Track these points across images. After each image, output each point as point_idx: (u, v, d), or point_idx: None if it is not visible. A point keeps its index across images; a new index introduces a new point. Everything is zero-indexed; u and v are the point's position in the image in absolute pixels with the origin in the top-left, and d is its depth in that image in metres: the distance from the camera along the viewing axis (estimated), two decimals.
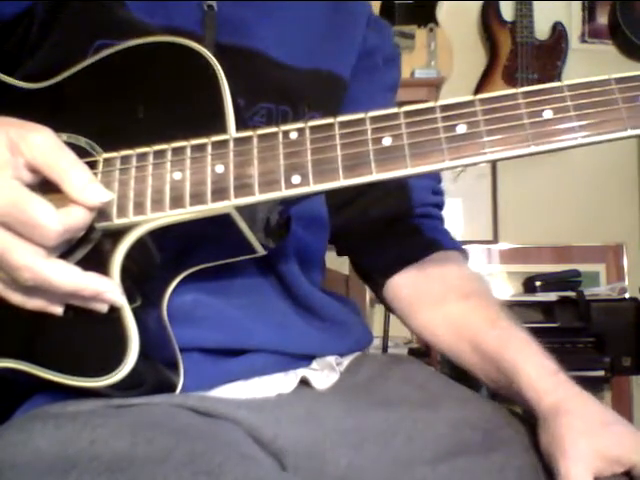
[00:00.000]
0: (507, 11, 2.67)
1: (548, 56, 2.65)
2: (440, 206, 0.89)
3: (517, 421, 0.68)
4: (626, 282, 2.57)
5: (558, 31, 2.69)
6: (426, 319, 0.80)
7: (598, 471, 0.58)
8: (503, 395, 0.71)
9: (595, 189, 2.67)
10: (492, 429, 0.65)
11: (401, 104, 0.56)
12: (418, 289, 0.81)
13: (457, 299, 0.77)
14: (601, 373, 2.02)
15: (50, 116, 0.55)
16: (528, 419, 0.68)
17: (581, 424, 0.60)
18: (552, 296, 2.12)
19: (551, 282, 2.31)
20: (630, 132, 0.53)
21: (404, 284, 0.82)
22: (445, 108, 0.54)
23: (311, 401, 0.68)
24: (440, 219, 0.89)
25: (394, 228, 0.84)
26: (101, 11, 0.68)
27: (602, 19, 2.76)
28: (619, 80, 0.54)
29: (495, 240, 2.64)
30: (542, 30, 2.68)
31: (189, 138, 0.57)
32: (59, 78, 0.63)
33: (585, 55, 2.71)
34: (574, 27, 2.75)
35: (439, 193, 0.89)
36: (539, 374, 0.65)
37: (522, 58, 2.62)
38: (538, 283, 2.31)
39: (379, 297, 0.87)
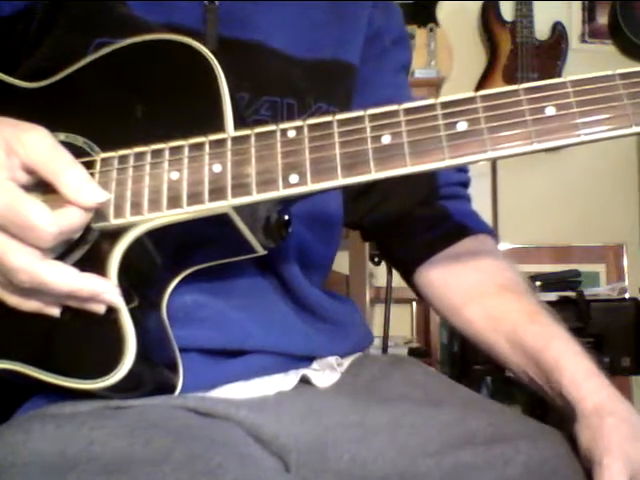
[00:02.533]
0: (507, 11, 2.68)
1: (548, 56, 2.65)
2: (466, 184, 0.86)
3: (521, 419, 0.68)
4: (626, 282, 2.57)
5: (558, 31, 2.69)
6: (461, 310, 0.77)
7: (632, 475, 0.58)
8: (538, 391, 0.71)
9: (595, 189, 2.67)
10: (497, 424, 0.65)
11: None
12: (451, 278, 0.79)
13: (493, 290, 0.75)
14: None
15: (48, 115, 0.55)
16: (530, 417, 0.68)
17: (627, 428, 0.60)
18: (552, 296, 2.12)
19: (551, 282, 2.30)
20: (635, 129, 0.51)
21: (435, 272, 0.80)
22: (446, 105, 0.53)
23: (312, 398, 0.67)
24: (467, 198, 0.86)
25: (420, 212, 0.81)
26: (101, 9, 0.68)
27: (602, 19, 2.76)
28: (624, 75, 0.52)
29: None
30: (542, 30, 2.68)
31: (188, 137, 0.56)
32: (58, 77, 0.63)
33: (585, 55, 2.71)
34: (574, 27, 2.75)
35: (463, 170, 0.86)
36: (583, 375, 0.65)
37: (522, 58, 2.62)
38: (538, 283, 2.31)
39: (409, 284, 0.84)
